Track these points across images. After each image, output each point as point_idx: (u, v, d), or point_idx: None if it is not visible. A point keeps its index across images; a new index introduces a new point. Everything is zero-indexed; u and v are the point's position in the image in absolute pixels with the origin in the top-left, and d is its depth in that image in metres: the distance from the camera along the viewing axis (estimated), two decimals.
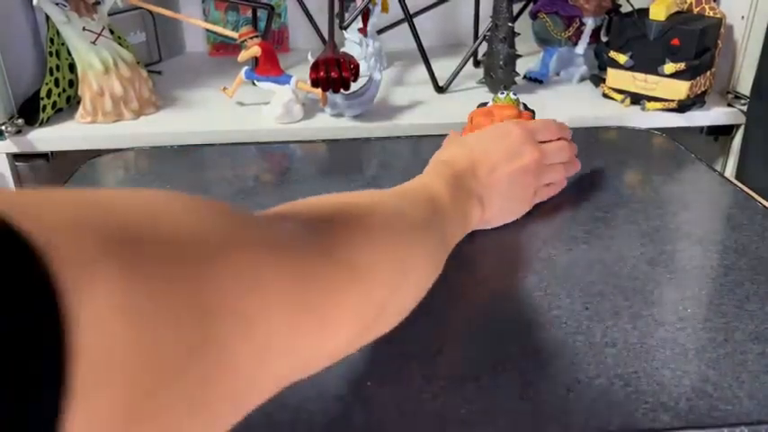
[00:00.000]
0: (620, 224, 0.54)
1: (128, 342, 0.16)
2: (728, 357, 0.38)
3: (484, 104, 0.63)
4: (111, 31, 0.86)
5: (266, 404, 0.35)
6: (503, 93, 0.62)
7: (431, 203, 0.40)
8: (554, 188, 0.55)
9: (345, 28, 0.96)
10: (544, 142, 0.53)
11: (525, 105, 0.63)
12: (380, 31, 1.05)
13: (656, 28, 0.81)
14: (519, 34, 0.87)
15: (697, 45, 0.80)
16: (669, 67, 0.81)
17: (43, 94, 0.81)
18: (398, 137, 0.76)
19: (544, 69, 0.97)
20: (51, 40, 0.82)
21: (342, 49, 0.83)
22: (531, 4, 1.01)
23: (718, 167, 0.92)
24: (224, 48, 1.16)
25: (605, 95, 0.89)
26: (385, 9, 1.00)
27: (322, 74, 0.78)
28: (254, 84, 0.85)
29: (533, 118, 0.61)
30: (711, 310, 0.43)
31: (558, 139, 0.54)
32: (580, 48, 0.97)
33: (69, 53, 0.83)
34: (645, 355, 0.38)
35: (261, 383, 0.23)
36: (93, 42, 0.82)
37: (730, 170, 0.90)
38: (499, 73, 0.88)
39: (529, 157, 0.50)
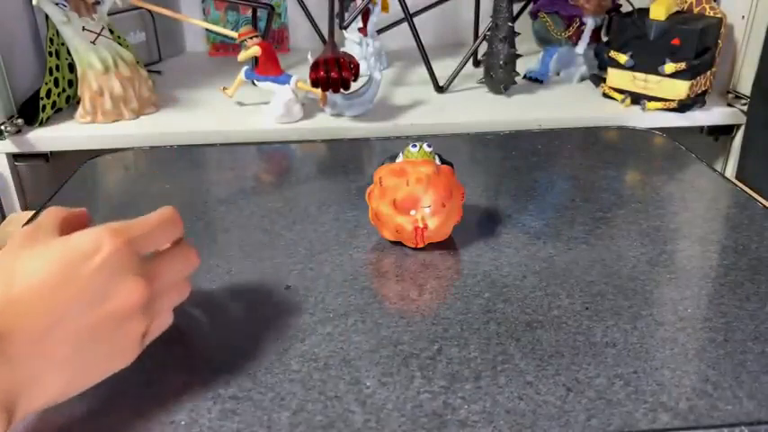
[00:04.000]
0: (620, 224, 0.54)
1: None
2: (728, 357, 0.38)
3: (393, 158, 0.51)
4: (111, 31, 0.86)
5: (266, 404, 0.35)
6: (414, 146, 0.50)
7: None
8: (168, 315, 0.36)
9: (345, 28, 0.96)
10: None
11: (441, 158, 0.51)
12: (380, 31, 1.05)
13: (657, 28, 0.81)
14: (519, 34, 0.87)
15: (697, 45, 0.80)
16: (669, 67, 0.81)
17: (43, 94, 0.81)
18: (398, 137, 0.76)
19: (544, 69, 0.97)
20: (51, 40, 0.82)
21: (342, 49, 0.83)
22: (532, 4, 1.01)
23: (719, 167, 0.92)
24: (224, 48, 1.16)
25: (605, 95, 0.89)
26: (385, 9, 1.00)
27: (322, 74, 0.78)
28: (253, 83, 0.84)
29: (453, 173, 0.50)
30: (711, 309, 0.43)
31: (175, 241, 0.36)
32: (580, 47, 0.97)
33: (69, 53, 0.83)
34: (645, 354, 0.38)
35: None
36: (93, 42, 0.82)
37: (730, 170, 0.90)
38: (499, 73, 0.88)
39: (128, 294, 0.31)
